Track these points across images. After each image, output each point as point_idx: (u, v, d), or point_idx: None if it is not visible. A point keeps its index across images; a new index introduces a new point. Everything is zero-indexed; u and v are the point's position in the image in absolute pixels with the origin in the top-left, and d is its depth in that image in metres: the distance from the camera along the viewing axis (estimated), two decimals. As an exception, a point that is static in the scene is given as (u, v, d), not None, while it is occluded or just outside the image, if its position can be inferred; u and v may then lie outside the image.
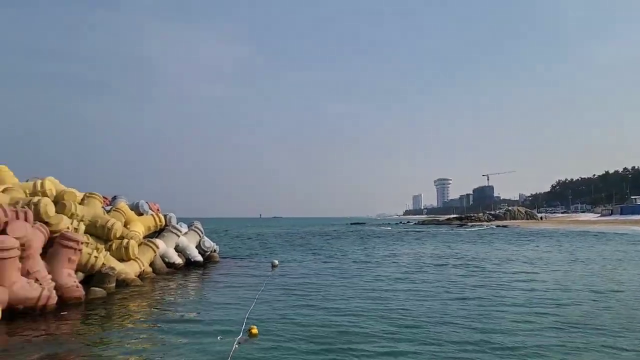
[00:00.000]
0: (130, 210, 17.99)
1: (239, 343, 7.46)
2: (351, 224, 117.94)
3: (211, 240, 22.25)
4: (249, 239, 44.64)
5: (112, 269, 13.85)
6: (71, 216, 14.31)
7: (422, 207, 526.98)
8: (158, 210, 20.00)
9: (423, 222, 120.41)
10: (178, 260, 18.95)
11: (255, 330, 8.36)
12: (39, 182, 15.03)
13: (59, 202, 14.34)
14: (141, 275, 15.79)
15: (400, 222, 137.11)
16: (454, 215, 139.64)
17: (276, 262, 20.47)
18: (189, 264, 19.68)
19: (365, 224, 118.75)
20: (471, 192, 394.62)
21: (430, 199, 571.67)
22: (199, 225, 21.45)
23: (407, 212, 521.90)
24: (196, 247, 20.66)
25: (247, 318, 9.60)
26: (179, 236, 19.37)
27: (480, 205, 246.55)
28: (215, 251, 22.17)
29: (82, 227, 14.49)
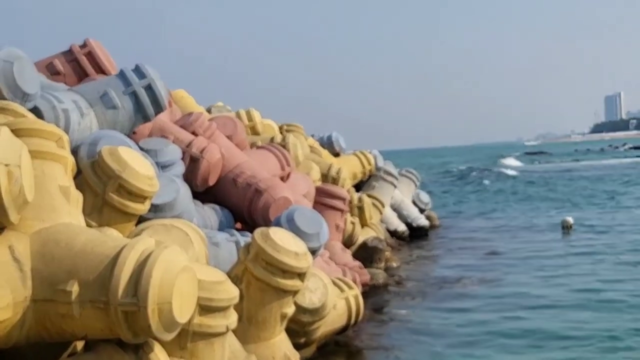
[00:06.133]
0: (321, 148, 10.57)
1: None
2: (525, 153, 66.96)
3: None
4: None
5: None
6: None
7: (625, 116, 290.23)
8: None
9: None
10: (402, 226, 11.35)
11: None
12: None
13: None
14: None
15: (616, 146, 70.57)
16: None
17: (570, 220, 11.78)
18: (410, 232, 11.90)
19: (549, 153, 64.23)
20: None
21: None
22: (412, 170, 13.55)
23: (596, 128, 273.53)
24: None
25: None
26: (395, 187, 11.66)
27: None
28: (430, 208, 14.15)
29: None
